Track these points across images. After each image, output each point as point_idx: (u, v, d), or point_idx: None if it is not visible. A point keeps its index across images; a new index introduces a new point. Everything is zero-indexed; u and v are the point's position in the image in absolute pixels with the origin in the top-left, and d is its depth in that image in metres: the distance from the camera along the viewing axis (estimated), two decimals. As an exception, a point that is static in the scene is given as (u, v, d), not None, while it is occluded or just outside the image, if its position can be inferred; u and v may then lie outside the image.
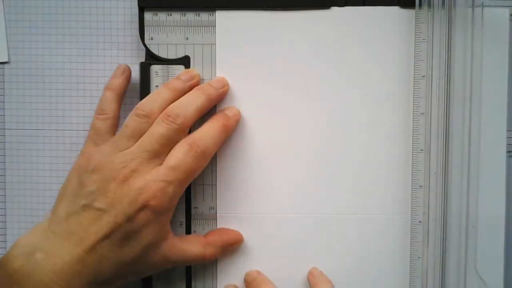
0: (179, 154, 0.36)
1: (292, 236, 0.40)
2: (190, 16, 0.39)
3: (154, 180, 0.35)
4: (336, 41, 0.39)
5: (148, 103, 0.37)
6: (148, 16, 0.39)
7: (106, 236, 0.35)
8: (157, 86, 0.39)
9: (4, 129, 0.41)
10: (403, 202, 0.40)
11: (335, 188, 0.40)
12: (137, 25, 0.39)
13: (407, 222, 0.39)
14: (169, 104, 0.37)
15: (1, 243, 0.41)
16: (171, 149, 0.36)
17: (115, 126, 0.38)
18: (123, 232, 0.35)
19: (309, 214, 0.40)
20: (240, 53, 0.39)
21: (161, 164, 0.36)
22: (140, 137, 0.36)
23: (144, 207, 0.35)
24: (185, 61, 0.39)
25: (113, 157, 0.36)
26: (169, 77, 0.39)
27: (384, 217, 0.40)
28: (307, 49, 0.39)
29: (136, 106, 0.37)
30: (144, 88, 0.39)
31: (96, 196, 0.35)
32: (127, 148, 0.36)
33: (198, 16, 0.39)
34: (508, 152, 0.40)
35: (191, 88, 0.38)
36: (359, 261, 0.40)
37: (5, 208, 0.41)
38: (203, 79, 0.40)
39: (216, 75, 0.39)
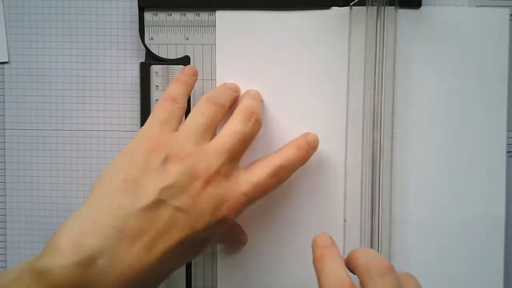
0: (265, 175, 0.34)
1: (293, 237, 0.40)
2: (190, 16, 0.39)
3: (236, 192, 0.33)
4: (336, 41, 0.39)
5: (221, 95, 0.35)
6: (148, 16, 0.39)
7: (181, 242, 0.30)
8: (157, 86, 0.39)
9: (4, 129, 0.41)
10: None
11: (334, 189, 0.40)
12: (137, 25, 0.39)
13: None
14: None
15: (1, 243, 0.41)
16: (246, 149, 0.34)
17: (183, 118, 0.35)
18: (196, 239, 0.31)
19: (309, 215, 0.40)
20: (240, 53, 0.39)
21: (236, 165, 0.34)
22: (214, 127, 0.34)
23: (224, 218, 0.32)
24: (185, 61, 0.39)
25: (191, 149, 0.32)
26: (169, 77, 0.39)
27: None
28: (307, 49, 0.39)
29: (208, 96, 0.35)
30: (144, 88, 0.39)
31: (175, 192, 0.30)
32: (204, 141, 0.33)
33: (198, 16, 0.39)
34: (508, 152, 0.40)
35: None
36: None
37: (5, 208, 0.41)
38: (203, 79, 0.40)
39: (216, 75, 0.39)
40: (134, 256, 0.28)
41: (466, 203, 0.39)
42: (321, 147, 0.38)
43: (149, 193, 0.30)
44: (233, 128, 0.34)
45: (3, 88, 0.41)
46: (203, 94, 0.39)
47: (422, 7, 0.39)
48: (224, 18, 0.39)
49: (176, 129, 0.34)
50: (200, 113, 0.34)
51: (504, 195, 0.39)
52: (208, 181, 0.31)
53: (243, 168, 0.35)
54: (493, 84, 0.39)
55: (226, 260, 0.40)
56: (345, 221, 0.39)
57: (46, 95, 0.41)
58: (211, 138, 0.34)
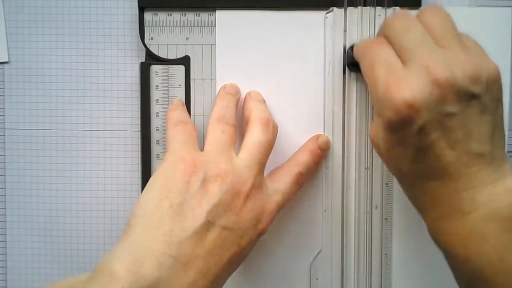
0: (289, 183, 0.35)
1: (292, 238, 0.40)
2: (190, 16, 0.39)
3: (270, 203, 0.34)
4: (336, 41, 0.39)
5: (227, 111, 0.35)
6: (148, 16, 0.39)
7: (230, 262, 0.31)
8: (157, 86, 0.39)
9: (4, 129, 0.41)
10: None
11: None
12: (137, 25, 0.39)
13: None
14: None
15: (1, 242, 0.41)
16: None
17: None
18: (241, 255, 0.32)
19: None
20: (240, 53, 0.39)
21: (263, 175, 0.34)
22: (234, 143, 0.34)
23: (263, 230, 0.33)
24: (185, 61, 0.39)
25: (226, 166, 0.32)
26: (169, 77, 0.39)
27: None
28: (307, 49, 0.39)
29: (218, 117, 0.35)
30: (144, 88, 0.39)
31: (220, 211, 0.30)
32: (233, 156, 0.33)
33: (198, 16, 0.39)
34: (508, 152, 0.39)
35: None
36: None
37: (5, 208, 0.41)
38: (203, 79, 0.40)
39: (216, 75, 0.39)
40: (189, 282, 0.28)
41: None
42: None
43: (197, 216, 0.30)
44: (257, 139, 0.34)
45: (3, 88, 0.41)
46: (202, 93, 0.39)
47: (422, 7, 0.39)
48: (224, 18, 0.39)
49: (198, 148, 0.34)
50: (221, 131, 0.34)
51: (504, 195, 0.39)
52: (247, 196, 0.32)
53: (266, 178, 0.35)
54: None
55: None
56: (324, 211, 0.40)
57: (46, 95, 0.41)
58: (236, 153, 0.34)
